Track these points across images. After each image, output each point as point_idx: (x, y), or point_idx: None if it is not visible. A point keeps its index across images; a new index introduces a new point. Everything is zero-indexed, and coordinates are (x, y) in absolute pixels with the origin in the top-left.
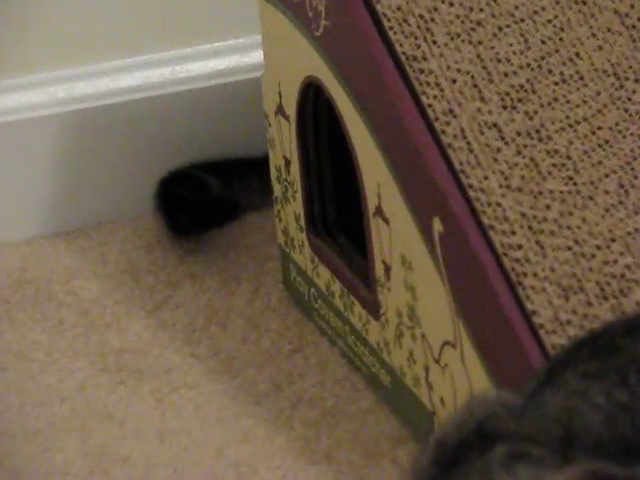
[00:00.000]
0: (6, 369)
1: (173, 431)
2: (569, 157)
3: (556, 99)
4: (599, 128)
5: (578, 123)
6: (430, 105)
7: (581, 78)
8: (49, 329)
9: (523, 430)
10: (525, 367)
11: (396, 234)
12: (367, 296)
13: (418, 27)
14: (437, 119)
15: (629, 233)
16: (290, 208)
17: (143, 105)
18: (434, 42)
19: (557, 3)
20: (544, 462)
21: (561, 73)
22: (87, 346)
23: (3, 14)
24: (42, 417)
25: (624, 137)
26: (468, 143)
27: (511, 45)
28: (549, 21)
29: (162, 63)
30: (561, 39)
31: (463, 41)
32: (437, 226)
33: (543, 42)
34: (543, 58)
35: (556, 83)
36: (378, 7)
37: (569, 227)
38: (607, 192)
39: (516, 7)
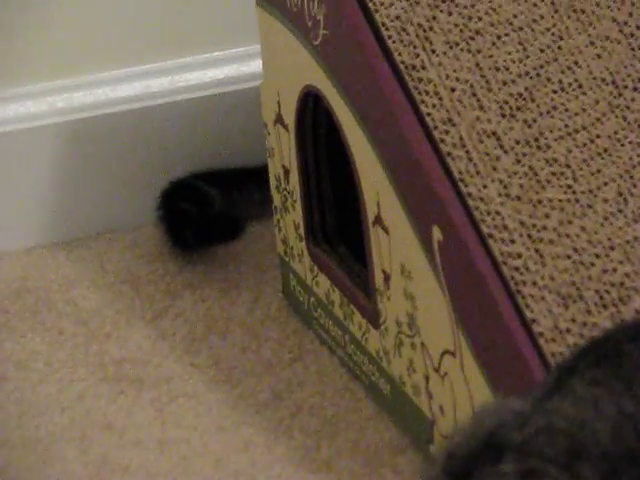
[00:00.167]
0: (6, 379)
1: (173, 440)
2: (568, 165)
3: (555, 107)
4: (598, 136)
5: (577, 131)
6: (429, 114)
7: (580, 86)
8: (49, 339)
9: (532, 442)
10: (525, 375)
11: (395, 243)
12: (367, 305)
13: (417, 36)
14: (436, 128)
15: (628, 241)
16: (289, 217)
17: (142, 115)
18: (433, 51)
19: (555, 12)
20: None
21: (560, 81)
22: (87, 356)
23: (3, 24)
24: (42, 427)
25: (623, 145)
26: (467, 152)
27: (510, 54)
28: (547, 29)
29: (161, 73)
30: (559, 47)
31: (462, 50)
32: (436, 235)
33: (542, 50)
34: (542, 66)
35: (555, 91)
36: (377, 16)
37: (568, 235)
38: (606, 200)
39: (515, 16)
